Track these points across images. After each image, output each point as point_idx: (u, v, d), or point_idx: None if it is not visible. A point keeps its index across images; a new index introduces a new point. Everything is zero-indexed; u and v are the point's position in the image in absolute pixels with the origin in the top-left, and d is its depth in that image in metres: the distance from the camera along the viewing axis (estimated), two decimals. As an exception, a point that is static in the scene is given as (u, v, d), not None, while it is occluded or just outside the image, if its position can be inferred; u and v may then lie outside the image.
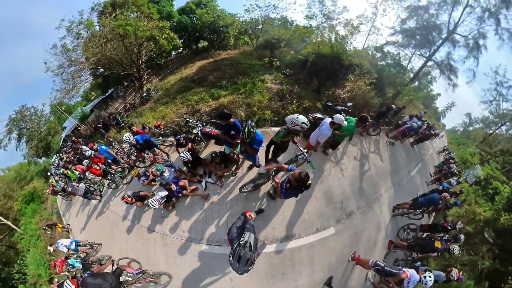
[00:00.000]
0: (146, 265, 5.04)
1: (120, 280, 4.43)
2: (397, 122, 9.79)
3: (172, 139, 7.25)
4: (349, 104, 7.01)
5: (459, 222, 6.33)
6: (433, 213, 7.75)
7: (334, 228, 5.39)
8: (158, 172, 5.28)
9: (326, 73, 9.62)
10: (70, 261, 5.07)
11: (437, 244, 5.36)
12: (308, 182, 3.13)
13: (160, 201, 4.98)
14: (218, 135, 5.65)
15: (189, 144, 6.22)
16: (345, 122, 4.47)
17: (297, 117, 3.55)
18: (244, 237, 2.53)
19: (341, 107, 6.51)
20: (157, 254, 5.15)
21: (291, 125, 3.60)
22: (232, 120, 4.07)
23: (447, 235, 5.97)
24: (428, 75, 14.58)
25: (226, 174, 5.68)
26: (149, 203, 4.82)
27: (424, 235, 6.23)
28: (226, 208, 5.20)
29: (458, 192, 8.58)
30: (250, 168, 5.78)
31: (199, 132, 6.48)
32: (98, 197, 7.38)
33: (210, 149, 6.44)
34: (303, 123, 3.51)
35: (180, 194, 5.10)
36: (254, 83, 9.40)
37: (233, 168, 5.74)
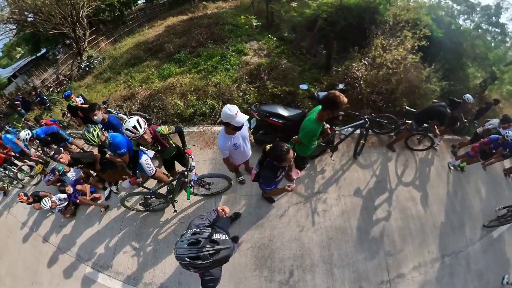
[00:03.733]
0: (31, 284, 4.74)
1: None
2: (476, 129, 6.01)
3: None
4: (340, 86, 4.49)
5: None
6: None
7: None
8: (59, 171, 5.17)
9: (347, 37, 6.53)
10: None
11: None
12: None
13: (57, 202, 4.86)
14: None
15: None
16: (239, 119, 2.42)
17: (125, 122, 2.63)
18: (221, 235, 1.98)
19: (321, 93, 3.90)
20: (44, 271, 4.78)
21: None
22: (98, 115, 3.91)
23: None
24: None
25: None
26: (41, 203, 4.71)
27: None
28: (120, 227, 4.64)
29: None
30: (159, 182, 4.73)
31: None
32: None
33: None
34: (127, 129, 2.59)
35: (77, 200, 5.05)
36: (224, 56, 7.27)
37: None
